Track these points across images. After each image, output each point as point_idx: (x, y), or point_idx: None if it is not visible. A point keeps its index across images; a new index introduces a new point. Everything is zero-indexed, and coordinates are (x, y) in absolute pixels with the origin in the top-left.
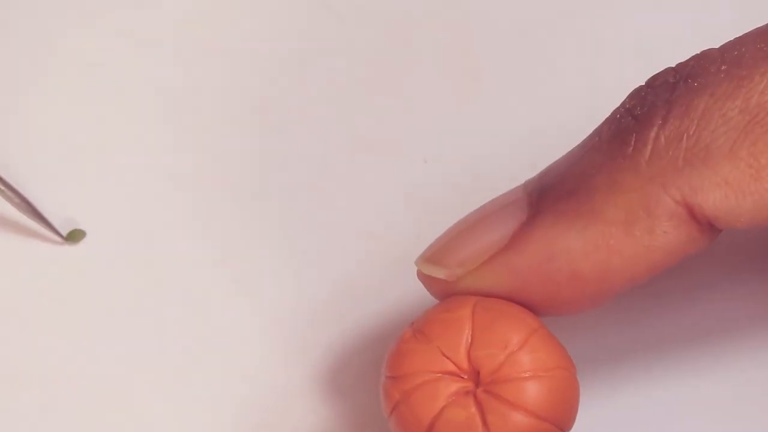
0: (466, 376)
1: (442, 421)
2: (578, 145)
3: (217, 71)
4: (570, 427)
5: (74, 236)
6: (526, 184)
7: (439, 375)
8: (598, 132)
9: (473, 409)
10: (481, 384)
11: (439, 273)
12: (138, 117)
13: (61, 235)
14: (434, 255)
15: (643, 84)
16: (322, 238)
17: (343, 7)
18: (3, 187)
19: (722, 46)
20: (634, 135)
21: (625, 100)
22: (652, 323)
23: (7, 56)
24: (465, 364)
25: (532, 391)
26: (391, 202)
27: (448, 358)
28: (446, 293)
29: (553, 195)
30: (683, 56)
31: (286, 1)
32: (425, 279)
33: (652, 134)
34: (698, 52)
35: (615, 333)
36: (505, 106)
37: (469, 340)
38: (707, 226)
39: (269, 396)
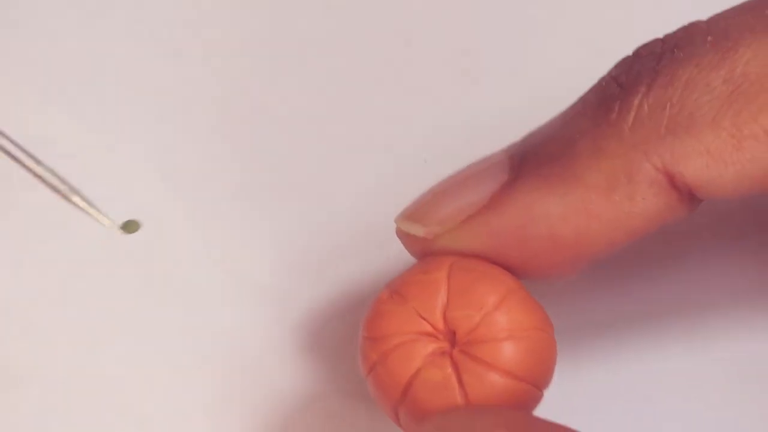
0: (441, 337)
1: (419, 381)
2: (562, 112)
3: (217, 71)
4: (546, 386)
5: (130, 227)
6: (509, 148)
7: (416, 336)
8: (582, 99)
9: (449, 370)
10: (457, 345)
11: (417, 231)
12: (138, 117)
13: (117, 225)
14: (414, 213)
15: (630, 54)
16: (322, 238)
17: (343, 7)
18: (59, 184)
19: (709, 18)
20: (618, 102)
21: (612, 69)
22: (632, 295)
23: (8, 56)
24: (441, 325)
25: (508, 352)
26: (391, 202)
27: (424, 319)
28: (424, 251)
29: (535, 159)
30: None
31: (286, 1)
32: (404, 236)
33: (636, 101)
34: (685, 24)
35: (596, 304)
36: (505, 106)
37: (445, 302)
38: (687, 195)
39: (270, 396)
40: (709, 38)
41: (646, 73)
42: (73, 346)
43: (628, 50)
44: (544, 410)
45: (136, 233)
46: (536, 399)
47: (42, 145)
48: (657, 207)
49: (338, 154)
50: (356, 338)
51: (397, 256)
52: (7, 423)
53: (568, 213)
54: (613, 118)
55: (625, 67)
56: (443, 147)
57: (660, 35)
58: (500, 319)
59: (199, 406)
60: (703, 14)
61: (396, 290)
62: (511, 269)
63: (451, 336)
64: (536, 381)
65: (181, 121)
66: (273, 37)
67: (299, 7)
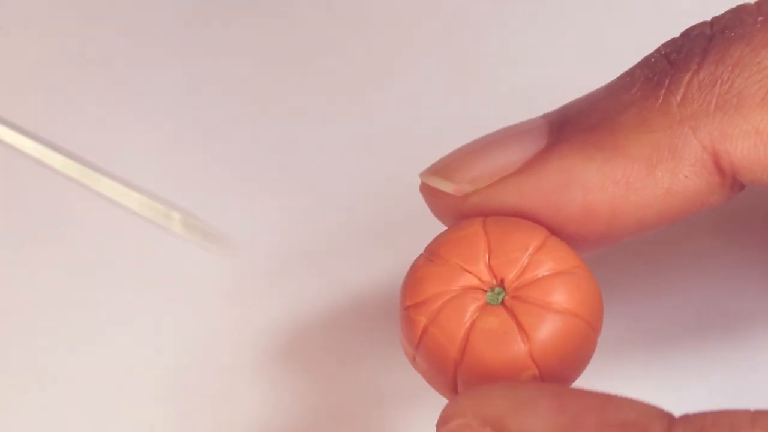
0: (489, 289)
1: (476, 332)
2: (605, 85)
3: (218, 71)
4: (599, 329)
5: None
6: (547, 115)
7: (463, 291)
8: (629, 73)
9: (506, 315)
10: (507, 292)
11: (446, 186)
12: (138, 117)
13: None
14: (443, 168)
15: (678, 36)
16: (322, 238)
17: (343, 7)
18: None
19: (759, 1)
20: (669, 78)
21: (660, 47)
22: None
23: (9, 57)
24: (486, 276)
25: (561, 288)
26: (391, 201)
27: (468, 272)
28: (448, 210)
29: (576, 126)
30: None
31: (286, 0)
32: (428, 192)
33: (687, 78)
34: (734, 7)
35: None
36: (505, 107)
37: (487, 252)
38: (730, 178)
39: (271, 398)
40: (760, 19)
41: (697, 51)
42: (72, 347)
43: (630, 50)
44: None
45: (136, 234)
46: (593, 341)
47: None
48: (698, 188)
49: (337, 154)
50: (355, 339)
51: (396, 256)
52: (8, 423)
53: (605, 182)
54: (661, 93)
55: (675, 45)
56: (443, 147)
57: (662, 36)
58: (546, 258)
59: (198, 404)
60: (705, 14)
61: (433, 252)
62: None
63: (500, 284)
64: (591, 319)
65: (180, 121)
66: (273, 37)
67: (300, 7)
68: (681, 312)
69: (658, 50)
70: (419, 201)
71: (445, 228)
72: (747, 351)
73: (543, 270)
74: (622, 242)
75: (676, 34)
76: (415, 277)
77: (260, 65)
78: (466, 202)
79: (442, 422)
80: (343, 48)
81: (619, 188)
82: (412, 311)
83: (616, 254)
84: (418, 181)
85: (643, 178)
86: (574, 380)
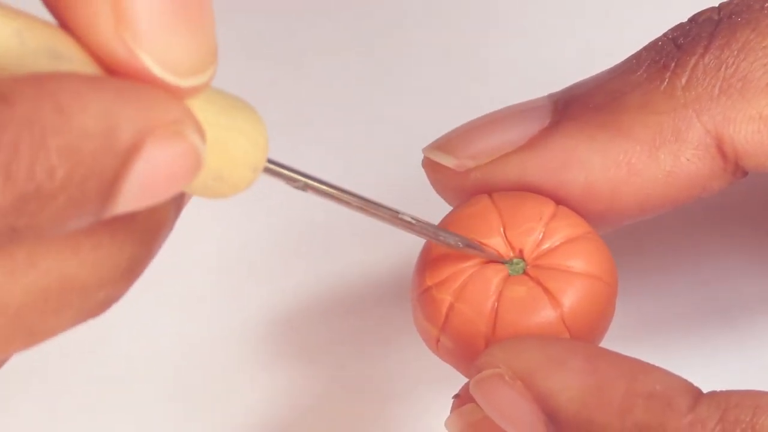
0: (506, 262)
1: (505, 301)
2: (610, 67)
3: (217, 71)
4: (617, 289)
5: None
6: (551, 95)
7: (483, 265)
8: (636, 56)
9: (531, 283)
10: (527, 262)
11: (448, 161)
12: None
13: None
14: (446, 144)
15: (685, 21)
16: (322, 238)
17: (343, 6)
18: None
19: None
20: (675, 61)
21: (668, 31)
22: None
23: None
24: (504, 249)
25: (580, 252)
26: (391, 202)
27: (486, 245)
28: (450, 185)
29: (580, 106)
30: None
31: (286, 1)
32: (431, 167)
33: (692, 61)
34: None
35: None
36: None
37: (501, 224)
38: (733, 163)
39: (271, 397)
40: (767, 4)
41: (704, 35)
42: (72, 346)
43: (632, 51)
44: None
45: None
46: (614, 302)
47: None
48: (700, 172)
49: (337, 153)
50: (355, 338)
51: (396, 255)
52: (8, 423)
53: (608, 163)
54: (667, 75)
55: (682, 29)
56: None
57: (669, 23)
58: (560, 225)
59: (198, 404)
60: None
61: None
62: None
63: (518, 255)
64: (610, 280)
65: None
66: (273, 37)
67: (300, 7)
68: (682, 304)
69: (665, 34)
70: (417, 198)
71: (444, 209)
72: (748, 342)
73: (559, 237)
74: (623, 226)
75: (684, 19)
76: (431, 257)
77: (258, 65)
78: (468, 177)
79: (476, 370)
80: (341, 47)
81: (620, 170)
82: (434, 290)
83: (616, 248)
84: (416, 179)
85: (645, 160)
86: (599, 342)
